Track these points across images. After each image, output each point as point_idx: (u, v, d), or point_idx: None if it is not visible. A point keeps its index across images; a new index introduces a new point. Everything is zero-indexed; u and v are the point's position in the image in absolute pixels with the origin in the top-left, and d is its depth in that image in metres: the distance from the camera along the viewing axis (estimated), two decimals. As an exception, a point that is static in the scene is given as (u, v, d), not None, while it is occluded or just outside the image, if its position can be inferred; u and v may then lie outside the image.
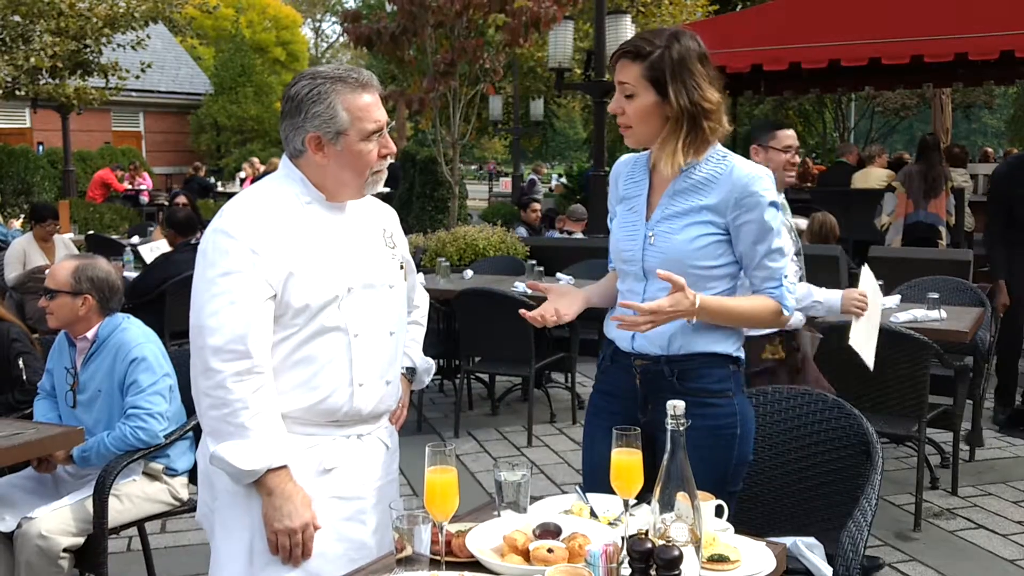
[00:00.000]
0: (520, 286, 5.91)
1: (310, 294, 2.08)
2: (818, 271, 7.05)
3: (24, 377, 3.64)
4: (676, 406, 1.75)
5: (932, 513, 4.50)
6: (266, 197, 2.14)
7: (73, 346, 3.31)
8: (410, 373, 2.48)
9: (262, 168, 16.60)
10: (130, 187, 17.47)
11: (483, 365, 6.00)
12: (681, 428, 1.75)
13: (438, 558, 1.84)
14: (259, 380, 2.03)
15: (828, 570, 2.39)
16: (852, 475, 2.65)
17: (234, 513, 2.14)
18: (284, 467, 2.06)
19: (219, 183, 19.24)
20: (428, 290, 6.00)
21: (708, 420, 2.28)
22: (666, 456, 1.76)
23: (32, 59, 11.65)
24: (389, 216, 2.38)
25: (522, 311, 2.42)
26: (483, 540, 1.91)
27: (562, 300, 2.35)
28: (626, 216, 2.36)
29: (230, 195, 16.74)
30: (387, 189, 17.32)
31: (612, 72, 2.27)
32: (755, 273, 2.28)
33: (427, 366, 2.52)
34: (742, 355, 2.36)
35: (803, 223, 8.13)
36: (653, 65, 2.18)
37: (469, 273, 6.60)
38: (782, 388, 2.87)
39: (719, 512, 2.08)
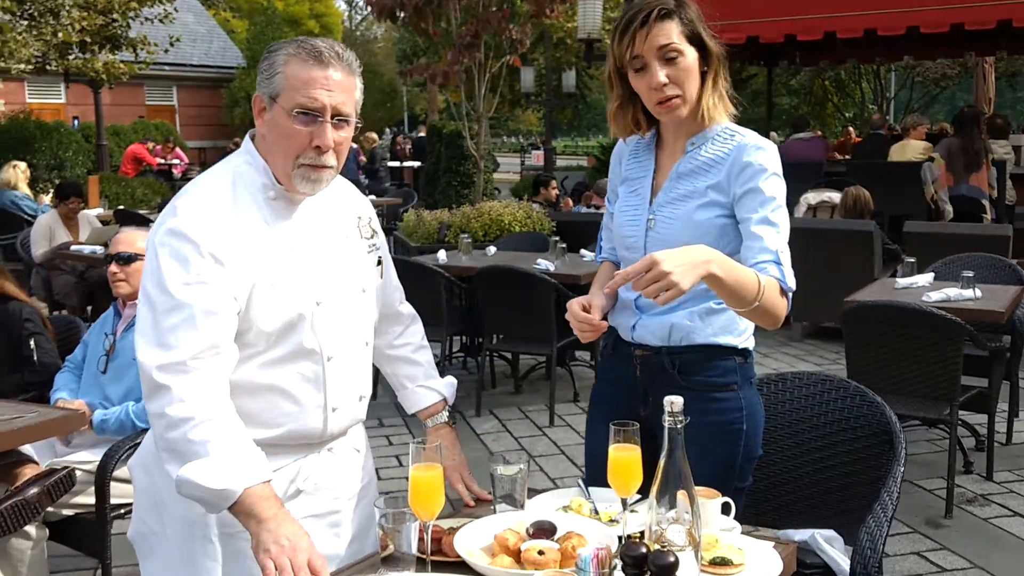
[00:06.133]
0: (543, 263, 5.81)
1: (275, 309, 1.87)
2: (851, 247, 6.91)
3: (35, 358, 3.61)
4: (674, 403, 1.64)
5: (965, 499, 4.35)
6: (227, 191, 1.89)
7: (119, 316, 3.35)
8: (451, 416, 2.27)
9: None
10: (162, 161, 17.55)
11: (505, 343, 5.91)
12: (679, 426, 1.65)
13: (424, 557, 1.75)
14: (217, 395, 1.79)
15: (847, 564, 2.28)
16: (873, 466, 2.53)
17: (193, 547, 1.91)
18: (267, 484, 1.77)
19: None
20: (449, 267, 5.94)
21: (712, 415, 2.16)
22: (663, 455, 1.66)
23: (60, 34, 11.68)
24: (363, 204, 2.15)
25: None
26: (473, 539, 1.82)
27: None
28: (628, 199, 2.23)
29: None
30: (416, 163, 17.26)
31: (634, 42, 2.04)
32: (748, 245, 2.05)
33: (453, 390, 2.30)
34: (750, 346, 2.23)
35: (836, 196, 7.95)
36: (682, 19, 2.04)
37: (492, 249, 6.50)
38: (802, 374, 2.75)
39: (726, 510, 1.97)
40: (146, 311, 1.83)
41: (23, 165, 9.82)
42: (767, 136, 14.34)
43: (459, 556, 1.76)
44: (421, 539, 1.75)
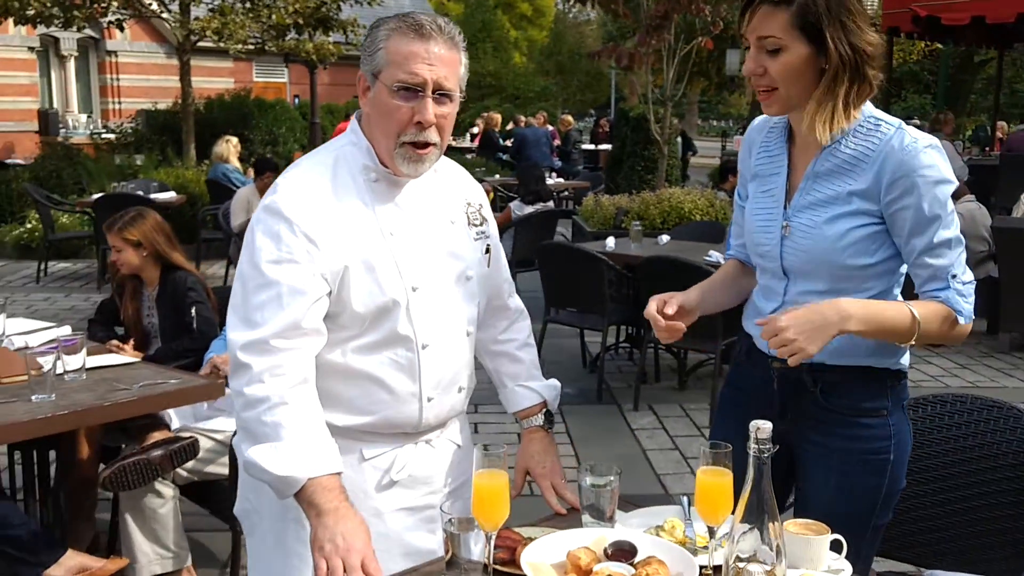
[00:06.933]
0: (714, 255, 5.55)
1: (369, 293, 1.81)
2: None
3: (195, 326, 3.78)
4: (760, 428, 1.46)
5: None
6: (328, 171, 1.86)
7: None
8: (547, 420, 2.14)
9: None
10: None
11: (669, 337, 5.69)
12: (765, 455, 1.46)
13: (487, 564, 1.66)
14: (296, 378, 1.76)
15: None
16: (1043, 511, 2.21)
17: (286, 530, 1.87)
18: (335, 476, 1.71)
19: (453, 138, 19.68)
20: (616, 255, 5.76)
21: (857, 443, 1.94)
22: (748, 485, 1.47)
23: (274, 16, 12.35)
24: (475, 191, 2.07)
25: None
26: (545, 553, 1.70)
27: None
28: (760, 200, 2.00)
29: (462, 150, 17.16)
30: (607, 146, 17.05)
31: (742, 24, 1.89)
32: (915, 272, 1.87)
33: (555, 393, 2.17)
34: (905, 365, 1.97)
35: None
36: (804, 9, 1.79)
37: (665, 238, 6.29)
38: (965, 397, 2.44)
39: (837, 547, 1.75)
40: (238, 287, 1.83)
41: (235, 140, 10.45)
42: (993, 127, 13.07)
43: (528, 570, 1.65)
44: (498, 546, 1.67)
